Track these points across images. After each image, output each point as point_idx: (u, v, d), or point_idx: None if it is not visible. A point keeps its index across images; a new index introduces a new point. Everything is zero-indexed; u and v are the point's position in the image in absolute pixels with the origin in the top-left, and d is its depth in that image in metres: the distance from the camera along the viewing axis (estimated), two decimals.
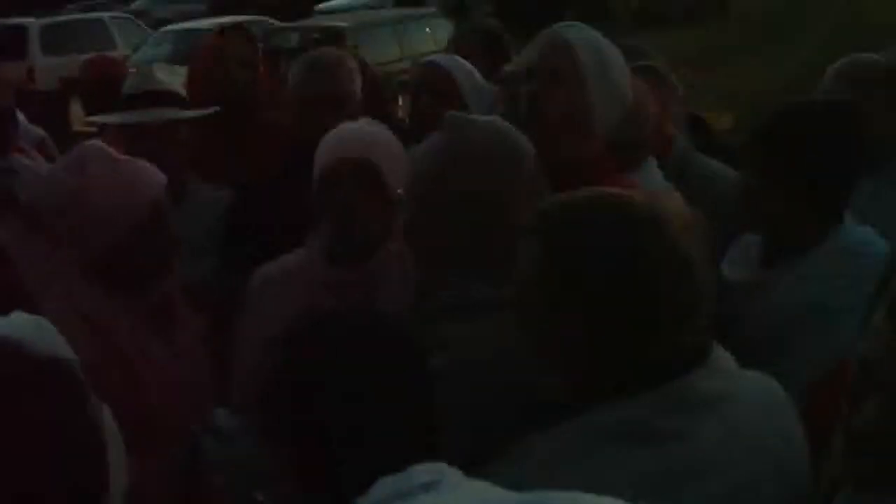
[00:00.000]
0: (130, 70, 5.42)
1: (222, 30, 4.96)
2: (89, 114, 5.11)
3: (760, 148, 3.10)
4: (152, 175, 3.21)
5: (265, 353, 1.95)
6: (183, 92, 4.26)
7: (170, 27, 23.28)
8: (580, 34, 3.25)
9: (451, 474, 1.53)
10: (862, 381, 1.84)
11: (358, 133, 3.26)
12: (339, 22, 20.06)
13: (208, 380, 3.34)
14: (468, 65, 4.46)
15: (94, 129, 4.94)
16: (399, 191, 3.01)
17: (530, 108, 3.18)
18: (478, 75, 4.41)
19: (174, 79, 4.44)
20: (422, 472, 1.55)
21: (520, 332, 2.18)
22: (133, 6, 32.94)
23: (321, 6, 28.83)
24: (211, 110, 4.23)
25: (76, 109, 12.20)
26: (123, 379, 2.99)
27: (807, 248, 3.03)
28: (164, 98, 4.10)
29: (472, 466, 1.78)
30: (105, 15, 25.06)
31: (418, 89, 4.46)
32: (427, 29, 19.28)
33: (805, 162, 3.02)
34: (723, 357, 2.19)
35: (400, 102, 9.51)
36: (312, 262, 3.27)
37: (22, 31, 22.03)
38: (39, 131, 5.45)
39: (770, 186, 3.04)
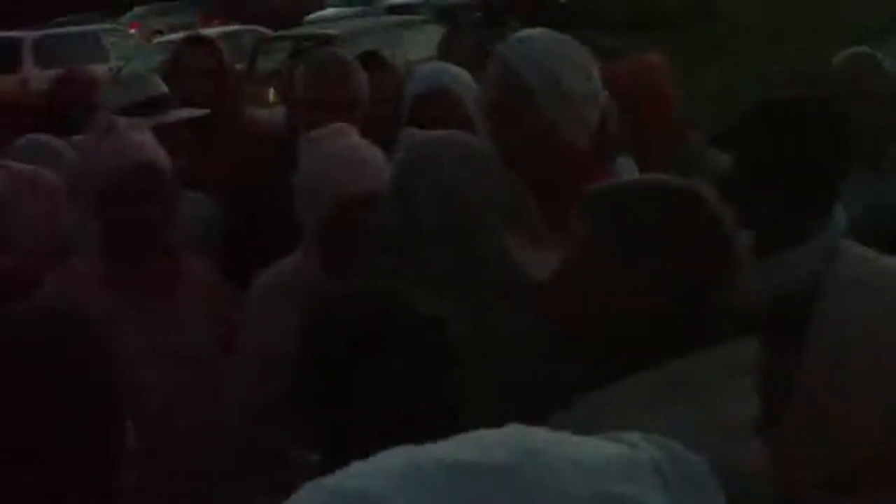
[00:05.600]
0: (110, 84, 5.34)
1: (183, 42, 4.99)
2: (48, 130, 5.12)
3: (741, 144, 3.09)
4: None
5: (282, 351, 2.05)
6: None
7: (162, 38, 23.31)
8: (523, 51, 3.15)
9: None
10: None
11: (370, 160, 3.31)
12: (330, 30, 20.09)
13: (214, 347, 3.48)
14: (463, 73, 4.38)
15: None
16: None
17: (493, 139, 3.17)
18: (471, 81, 4.39)
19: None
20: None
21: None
22: (125, 18, 32.94)
23: (311, 16, 28.83)
24: (199, 112, 4.27)
25: None
26: None
27: (790, 248, 2.94)
28: (159, 104, 4.14)
29: None
30: (98, 27, 25.11)
31: (424, 114, 4.14)
32: (419, 36, 19.27)
33: (785, 158, 2.97)
34: None
35: None
36: (310, 270, 3.31)
37: (15, 43, 22.10)
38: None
39: (750, 183, 2.99)
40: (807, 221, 2.99)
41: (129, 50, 23.06)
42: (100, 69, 20.08)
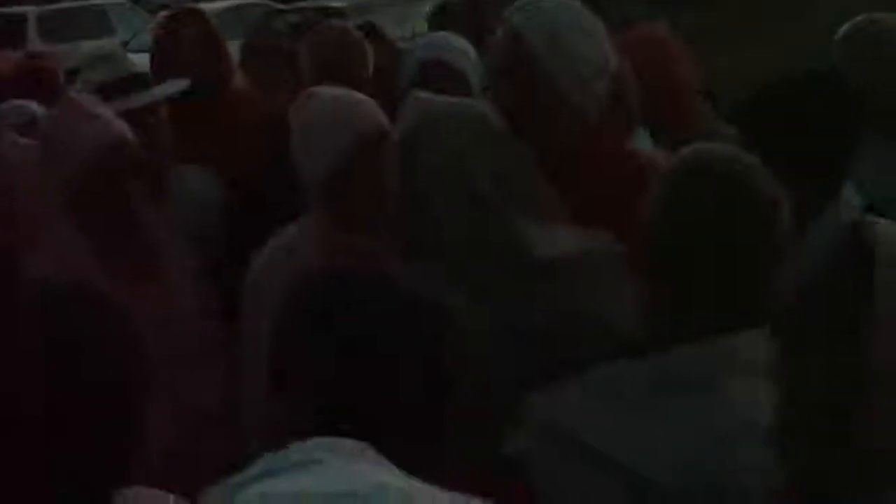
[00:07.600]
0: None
1: (172, 15, 4.89)
2: None
3: (750, 121, 3.05)
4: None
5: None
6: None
7: (168, 12, 23.22)
8: (529, 18, 3.04)
9: (335, 454, 1.47)
10: None
11: (368, 104, 3.26)
12: (337, 2, 20.04)
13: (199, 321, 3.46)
14: (463, 43, 4.32)
15: None
16: None
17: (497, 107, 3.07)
18: (471, 51, 4.31)
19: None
20: (300, 449, 1.51)
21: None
22: None
23: None
24: (181, 86, 4.14)
25: None
26: None
27: (799, 226, 2.92)
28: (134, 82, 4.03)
29: None
30: (104, 2, 25.00)
31: (423, 87, 4.13)
32: (430, 7, 19.15)
33: (794, 135, 2.95)
34: None
35: None
36: (320, 230, 3.22)
37: (20, 19, 22.00)
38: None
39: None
40: (814, 199, 2.93)
41: (136, 24, 22.94)
42: (107, 43, 20.08)
